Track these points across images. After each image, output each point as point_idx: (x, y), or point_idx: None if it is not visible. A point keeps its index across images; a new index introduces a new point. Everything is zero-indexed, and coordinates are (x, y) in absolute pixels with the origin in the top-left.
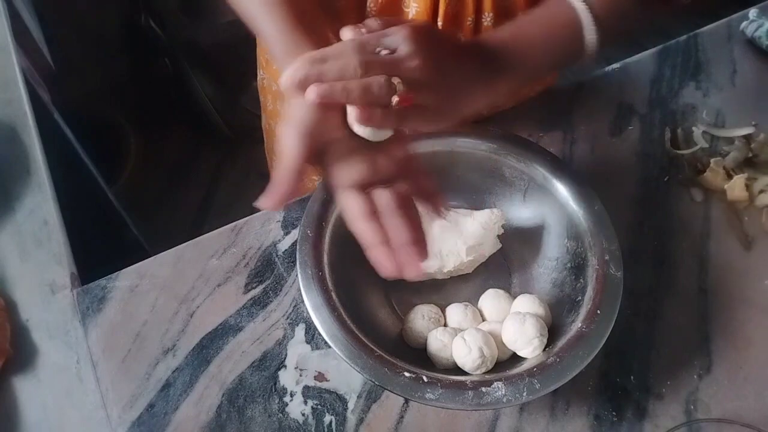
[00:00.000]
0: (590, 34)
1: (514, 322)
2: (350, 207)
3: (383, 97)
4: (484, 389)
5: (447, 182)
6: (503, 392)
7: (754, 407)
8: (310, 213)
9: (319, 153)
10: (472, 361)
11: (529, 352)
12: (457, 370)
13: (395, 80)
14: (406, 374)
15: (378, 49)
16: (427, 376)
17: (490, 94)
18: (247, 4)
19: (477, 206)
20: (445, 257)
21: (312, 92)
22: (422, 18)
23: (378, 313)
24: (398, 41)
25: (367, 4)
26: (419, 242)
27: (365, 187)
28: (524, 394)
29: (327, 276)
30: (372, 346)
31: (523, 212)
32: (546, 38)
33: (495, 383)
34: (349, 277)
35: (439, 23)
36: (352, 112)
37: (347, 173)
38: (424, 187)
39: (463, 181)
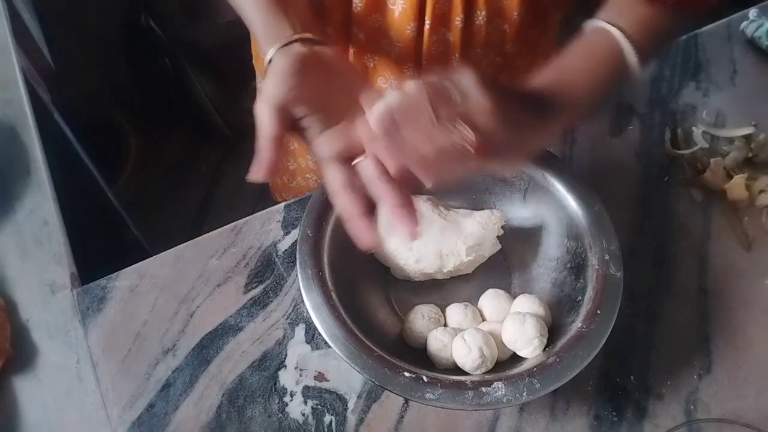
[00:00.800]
0: (631, 57)
1: (514, 322)
2: (330, 179)
3: (458, 157)
4: (484, 389)
5: (446, 183)
6: (503, 392)
7: (754, 407)
8: (310, 213)
9: (298, 126)
10: (472, 361)
11: (529, 352)
12: (457, 370)
13: (468, 132)
14: (406, 374)
15: (450, 98)
16: (427, 376)
17: (548, 135)
18: None
19: (477, 206)
20: (444, 257)
21: (391, 166)
22: (408, 17)
23: (378, 313)
24: (468, 88)
25: (353, 1)
26: (407, 205)
27: (349, 158)
28: (524, 394)
29: (327, 276)
30: (372, 346)
31: (523, 212)
32: (592, 72)
33: (495, 383)
34: (349, 277)
35: (427, 23)
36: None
37: (327, 144)
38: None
39: (463, 180)
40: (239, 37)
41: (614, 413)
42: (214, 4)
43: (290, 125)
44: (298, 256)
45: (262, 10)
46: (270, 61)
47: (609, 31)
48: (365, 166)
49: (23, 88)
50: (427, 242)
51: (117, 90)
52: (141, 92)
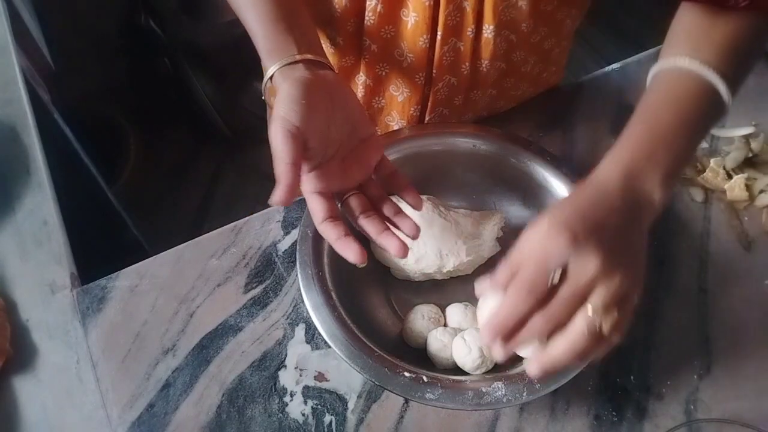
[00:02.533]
0: (726, 96)
1: None
2: (313, 210)
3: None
4: (484, 389)
5: (447, 182)
6: (503, 392)
7: (754, 407)
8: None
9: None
10: (472, 361)
11: (528, 352)
12: (457, 370)
13: (590, 311)
14: (406, 374)
15: (551, 276)
16: (427, 376)
17: (659, 210)
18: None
19: (477, 206)
20: (444, 257)
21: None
22: (421, 29)
23: (378, 313)
24: (564, 259)
25: (366, 14)
26: (387, 232)
27: (330, 195)
28: (524, 394)
29: (327, 276)
30: (372, 346)
31: (523, 212)
32: (689, 123)
33: (495, 383)
34: (349, 277)
35: (439, 34)
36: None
37: (314, 182)
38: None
39: (464, 181)
40: (239, 37)
41: (614, 413)
42: (214, 4)
43: (301, 154)
44: (298, 256)
45: (267, 22)
46: (271, 77)
47: (706, 77)
48: (352, 201)
49: (23, 88)
50: (427, 242)
51: (117, 90)
52: (141, 92)
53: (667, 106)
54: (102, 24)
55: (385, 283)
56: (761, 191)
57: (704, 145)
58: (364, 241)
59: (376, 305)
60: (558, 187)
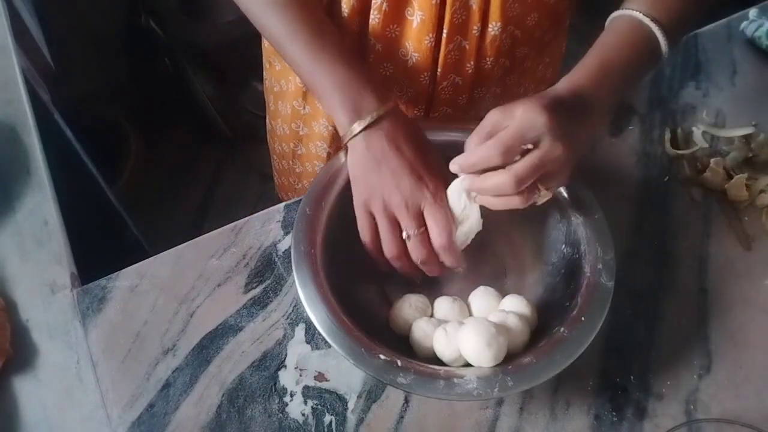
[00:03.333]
0: (664, 47)
1: (497, 318)
2: (361, 227)
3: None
4: (456, 380)
5: (448, 181)
6: (475, 385)
7: (754, 407)
8: (311, 193)
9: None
10: (451, 352)
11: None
12: (437, 360)
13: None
14: (382, 357)
15: (523, 147)
16: (401, 361)
17: (593, 133)
18: (270, 29)
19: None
20: None
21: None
22: (427, 28)
23: (367, 296)
24: (540, 133)
25: (371, 13)
26: (432, 262)
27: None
28: (496, 389)
29: (318, 254)
30: (351, 325)
31: (523, 216)
32: (631, 65)
33: (468, 376)
34: (344, 259)
35: (444, 32)
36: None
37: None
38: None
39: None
40: (239, 37)
41: (614, 413)
42: (214, 3)
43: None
44: (293, 233)
45: (339, 74)
46: (353, 136)
47: (644, 22)
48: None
49: (23, 88)
50: None
51: (117, 90)
52: (141, 92)
53: (617, 48)
54: (102, 24)
55: (380, 274)
56: (761, 191)
57: (704, 144)
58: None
59: (367, 290)
60: (560, 193)
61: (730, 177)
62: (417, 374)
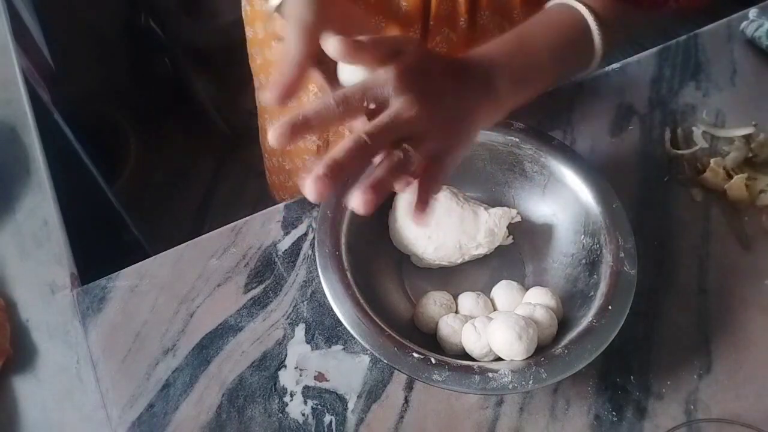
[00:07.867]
0: (596, 36)
1: (524, 311)
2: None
3: (406, 169)
4: (490, 375)
5: (466, 174)
6: (509, 379)
7: (754, 407)
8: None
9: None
10: (481, 347)
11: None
12: (466, 356)
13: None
14: (415, 355)
15: (366, 104)
16: (435, 358)
17: (500, 106)
18: None
19: (496, 198)
20: (463, 246)
21: (319, 189)
22: (413, 15)
23: (392, 296)
24: (387, 91)
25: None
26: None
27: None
28: (530, 382)
29: (343, 256)
30: (383, 326)
31: (542, 207)
32: (553, 42)
33: (502, 370)
34: (366, 260)
35: (431, 23)
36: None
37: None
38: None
39: (483, 173)
40: (239, 37)
41: (614, 413)
42: (214, 4)
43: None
44: (316, 235)
45: None
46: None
47: (574, 5)
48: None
49: (23, 88)
50: (446, 231)
51: (117, 90)
52: (141, 92)
53: (543, 29)
54: (102, 24)
55: (400, 269)
56: (761, 191)
57: (704, 144)
58: (382, 228)
59: (390, 289)
60: (578, 183)
61: (730, 177)
62: (452, 370)
